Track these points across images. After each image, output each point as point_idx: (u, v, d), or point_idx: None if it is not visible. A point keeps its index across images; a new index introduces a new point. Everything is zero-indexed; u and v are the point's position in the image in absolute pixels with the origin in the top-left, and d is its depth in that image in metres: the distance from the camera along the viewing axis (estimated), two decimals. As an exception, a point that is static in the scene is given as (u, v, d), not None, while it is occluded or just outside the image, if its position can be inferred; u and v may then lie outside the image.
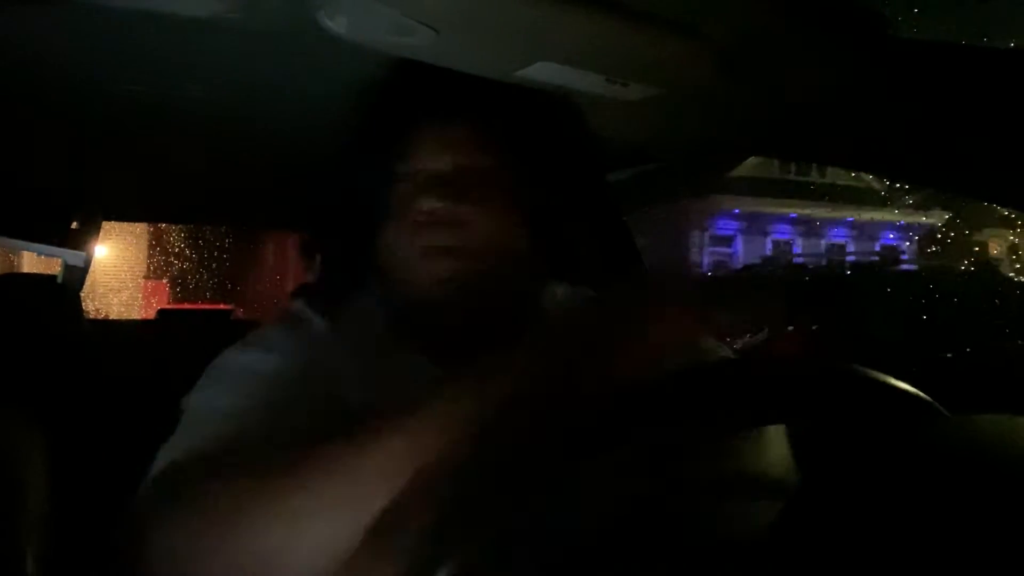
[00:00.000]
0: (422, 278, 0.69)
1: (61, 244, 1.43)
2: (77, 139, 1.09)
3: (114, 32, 0.73)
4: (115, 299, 11.49)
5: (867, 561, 0.42)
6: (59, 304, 1.39)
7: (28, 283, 1.49)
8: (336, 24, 0.63)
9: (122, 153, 1.16)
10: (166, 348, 1.36)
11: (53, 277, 1.49)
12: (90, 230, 1.51)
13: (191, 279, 12.79)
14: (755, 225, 15.55)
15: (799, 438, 0.55)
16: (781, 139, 0.81)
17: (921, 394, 0.49)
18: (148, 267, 12.50)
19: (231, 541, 0.49)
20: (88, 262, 1.50)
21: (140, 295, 12.00)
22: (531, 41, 0.64)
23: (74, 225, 1.47)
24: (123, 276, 11.93)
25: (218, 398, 0.63)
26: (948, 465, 0.46)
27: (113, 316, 9.46)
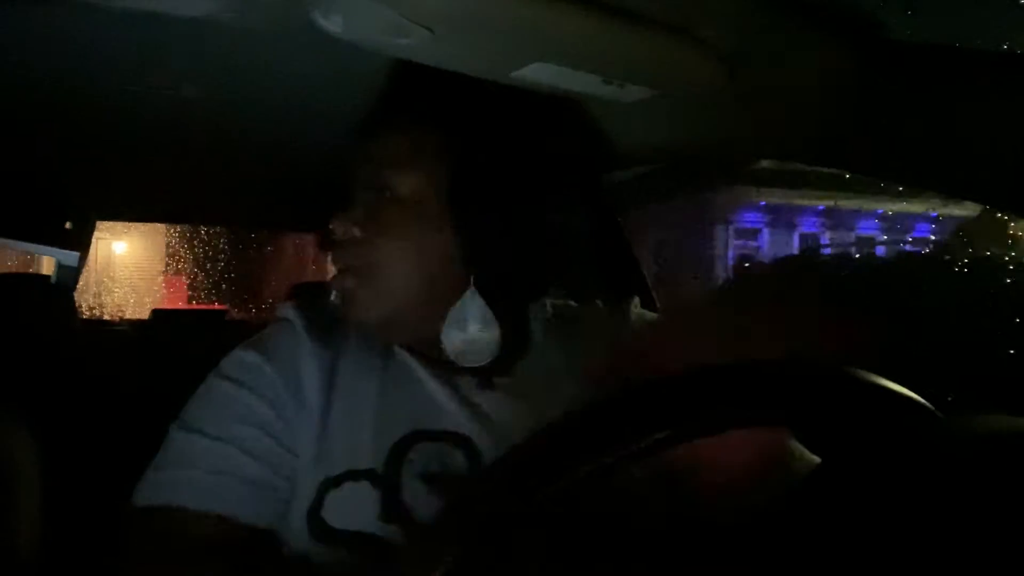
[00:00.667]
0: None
1: (54, 243, 1.46)
2: (71, 138, 1.11)
3: (110, 32, 0.76)
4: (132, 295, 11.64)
5: (861, 561, 0.44)
6: (52, 304, 1.42)
7: (20, 283, 1.52)
8: (332, 24, 0.65)
9: (117, 152, 1.18)
10: (160, 348, 1.39)
11: (46, 277, 1.52)
12: (84, 229, 1.54)
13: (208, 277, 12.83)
14: (782, 218, 15.38)
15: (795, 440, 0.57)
16: (778, 141, 0.82)
17: (913, 395, 0.51)
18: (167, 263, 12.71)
19: None
20: (82, 262, 1.53)
21: (160, 290, 12.20)
22: (527, 42, 0.66)
23: (68, 225, 1.51)
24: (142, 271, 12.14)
25: (190, 447, 0.71)
26: (941, 467, 0.49)
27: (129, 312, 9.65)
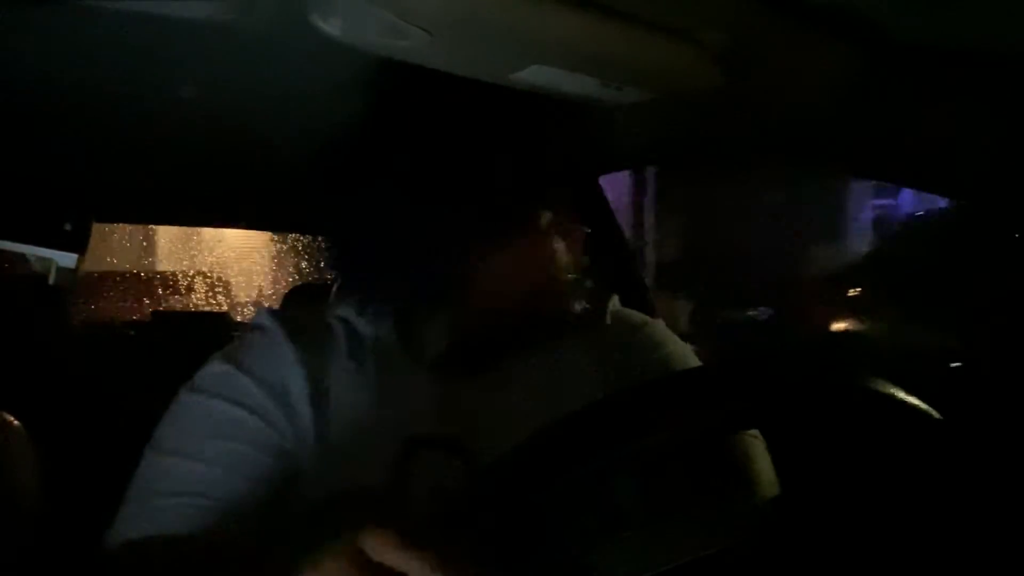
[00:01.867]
0: None
1: (53, 245, 1.46)
2: (71, 139, 1.11)
3: (109, 34, 0.76)
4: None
5: (854, 563, 0.44)
6: (50, 305, 1.43)
7: (19, 284, 1.52)
8: (330, 26, 0.65)
9: (116, 154, 1.18)
10: (160, 350, 1.39)
11: (44, 278, 1.52)
12: (82, 231, 1.54)
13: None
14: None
15: (786, 443, 0.57)
16: (778, 142, 0.83)
17: (910, 398, 0.51)
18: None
19: None
20: (80, 263, 1.53)
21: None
22: (525, 44, 0.66)
23: (67, 226, 1.51)
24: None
25: (164, 470, 0.67)
26: (937, 469, 0.49)
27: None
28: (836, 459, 0.51)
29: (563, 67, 0.69)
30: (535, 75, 0.70)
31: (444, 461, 0.70)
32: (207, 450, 0.67)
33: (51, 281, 1.52)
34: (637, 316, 0.90)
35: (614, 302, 0.90)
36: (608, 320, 0.87)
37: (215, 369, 0.72)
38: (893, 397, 0.48)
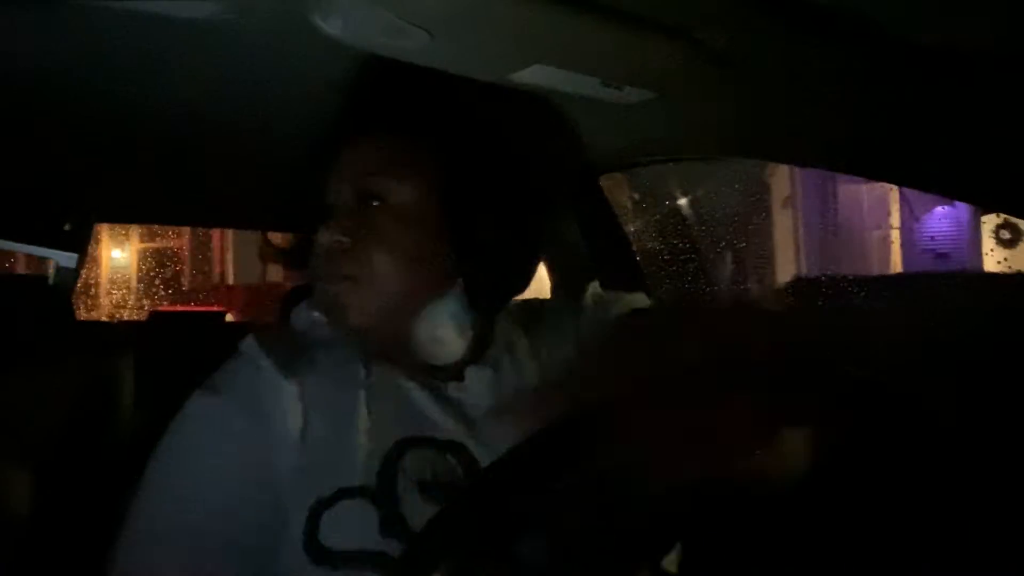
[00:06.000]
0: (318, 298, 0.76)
1: (53, 245, 1.46)
2: (71, 139, 1.11)
3: (110, 34, 0.76)
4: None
5: (857, 558, 0.44)
6: (50, 306, 1.42)
7: (18, 285, 1.52)
8: (330, 26, 0.65)
9: (116, 154, 1.18)
10: (158, 351, 1.39)
11: (44, 278, 1.52)
12: (82, 231, 1.54)
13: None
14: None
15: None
16: (778, 142, 0.83)
17: (906, 391, 0.51)
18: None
19: None
20: (80, 263, 1.53)
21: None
22: (526, 44, 0.66)
23: (66, 226, 1.50)
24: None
25: (157, 508, 0.66)
26: (937, 460, 0.49)
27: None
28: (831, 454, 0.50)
29: (564, 67, 0.69)
30: (536, 75, 0.70)
31: (435, 457, 0.70)
32: (198, 491, 0.65)
33: (51, 281, 1.52)
34: (615, 295, 0.89)
35: (593, 286, 0.90)
36: (589, 302, 0.87)
37: (197, 403, 0.71)
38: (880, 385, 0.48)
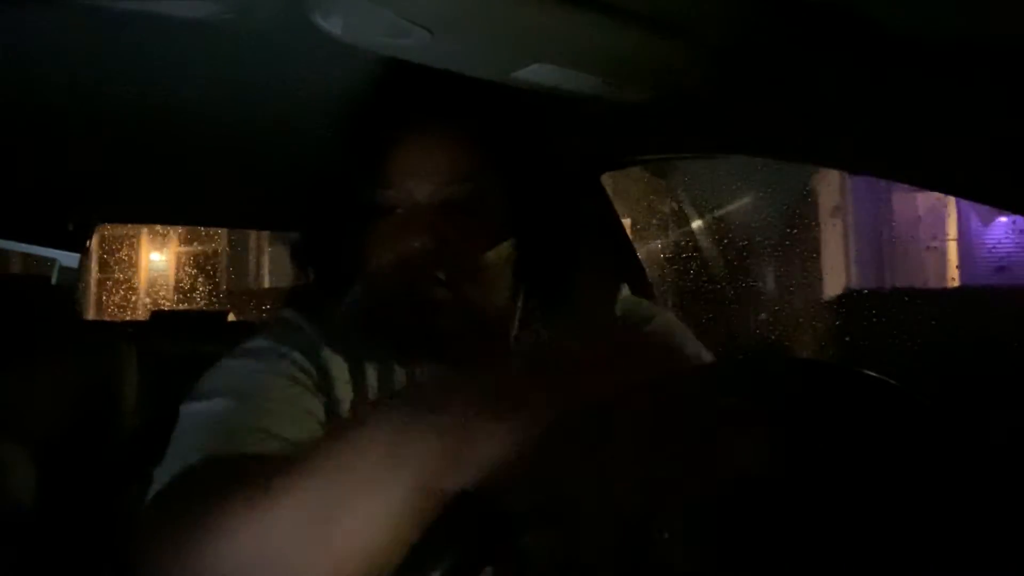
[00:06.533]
0: (403, 298, 0.73)
1: (55, 245, 1.47)
2: (73, 140, 1.12)
3: (111, 33, 0.76)
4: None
5: (847, 551, 0.44)
6: (52, 305, 1.42)
7: (20, 284, 1.52)
8: (331, 25, 0.65)
9: (118, 154, 1.18)
10: (161, 350, 1.39)
11: (47, 278, 1.52)
12: (85, 231, 1.54)
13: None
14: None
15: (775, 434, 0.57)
16: (778, 141, 0.82)
17: (895, 383, 0.51)
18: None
19: (235, 556, 0.50)
20: (83, 263, 1.54)
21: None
22: (527, 43, 0.66)
23: (69, 226, 1.51)
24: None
25: (214, 407, 0.64)
26: (927, 454, 0.49)
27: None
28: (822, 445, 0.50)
29: (564, 66, 0.69)
30: (536, 74, 0.70)
31: None
32: (252, 392, 0.64)
33: (53, 281, 1.52)
34: (647, 308, 0.89)
35: (624, 292, 0.89)
36: (618, 312, 0.87)
37: (259, 343, 0.70)
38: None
